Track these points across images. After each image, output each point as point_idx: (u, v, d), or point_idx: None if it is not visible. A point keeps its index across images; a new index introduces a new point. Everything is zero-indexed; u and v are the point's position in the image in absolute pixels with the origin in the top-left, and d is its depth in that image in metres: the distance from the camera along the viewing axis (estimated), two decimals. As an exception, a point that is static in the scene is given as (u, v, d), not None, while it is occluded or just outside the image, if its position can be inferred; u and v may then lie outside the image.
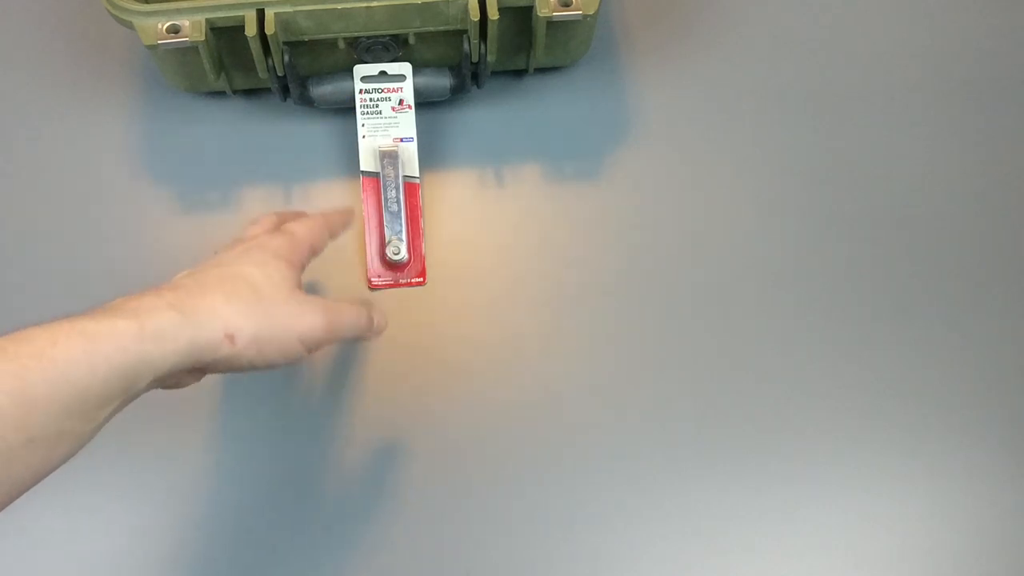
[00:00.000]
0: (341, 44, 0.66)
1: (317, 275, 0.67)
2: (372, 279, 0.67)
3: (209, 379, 0.52)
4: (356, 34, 0.65)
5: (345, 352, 0.65)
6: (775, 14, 0.77)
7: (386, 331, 0.65)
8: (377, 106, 0.68)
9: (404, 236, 0.67)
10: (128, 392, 0.42)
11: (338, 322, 0.51)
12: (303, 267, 0.53)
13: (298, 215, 0.58)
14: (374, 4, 0.63)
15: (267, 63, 0.65)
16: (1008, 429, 0.63)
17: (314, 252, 0.55)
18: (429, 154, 0.71)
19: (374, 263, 0.67)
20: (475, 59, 0.67)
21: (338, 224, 0.59)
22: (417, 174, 0.69)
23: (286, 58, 0.65)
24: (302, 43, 0.65)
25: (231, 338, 0.45)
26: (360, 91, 0.68)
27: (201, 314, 0.45)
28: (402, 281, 0.67)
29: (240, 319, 0.46)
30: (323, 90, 0.68)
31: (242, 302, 0.46)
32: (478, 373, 0.64)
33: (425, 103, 0.70)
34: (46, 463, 0.40)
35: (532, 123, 0.72)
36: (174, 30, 0.62)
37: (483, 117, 0.72)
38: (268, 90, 0.71)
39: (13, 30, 0.75)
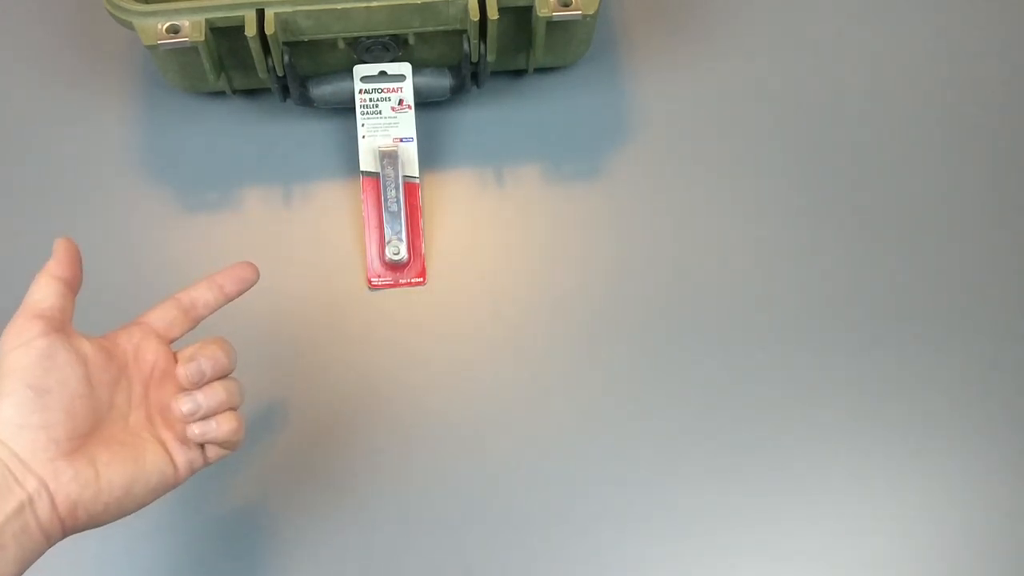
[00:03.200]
0: (341, 44, 0.66)
1: (318, 276, 0.67)
2: (372, 279, 0.67)
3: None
4: (356, 34, 0.65)
5: (344, 351, 0.65)
6: (775, 14, 0.77)
7: (386, 331, 0.66)
8: (377, 106, 0.68)
9: (404, 236, 0.67)
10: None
11: None
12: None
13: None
14: (374, 4, 0.63)
15: (267, 63, 0.65)
16: (1008, 430, 0.63)
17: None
18: (429, 154, 0.71)
19: (374, 263, 0.67)
20: (475, 59, 0.67)
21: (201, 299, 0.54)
22: (417, 174, 0.69)
23: (286, 58, 0.65)
24: (302, 43, 0.65)
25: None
26: (360, 91, 0.68)
27: None
28: (402, 281, 0.67)
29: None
30: (323, 90, 0.68)
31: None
32: (478, 372, 0.64)
33: (425, 103, 0.70)
34: None
35: (532, 123, 0.72)
36: (174, 30, 0.62)
37: (483, 117, 0.72)
38: (268, 90, 0.71)
39: (13, 30, 0.75)
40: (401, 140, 0.68)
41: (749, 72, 0.75)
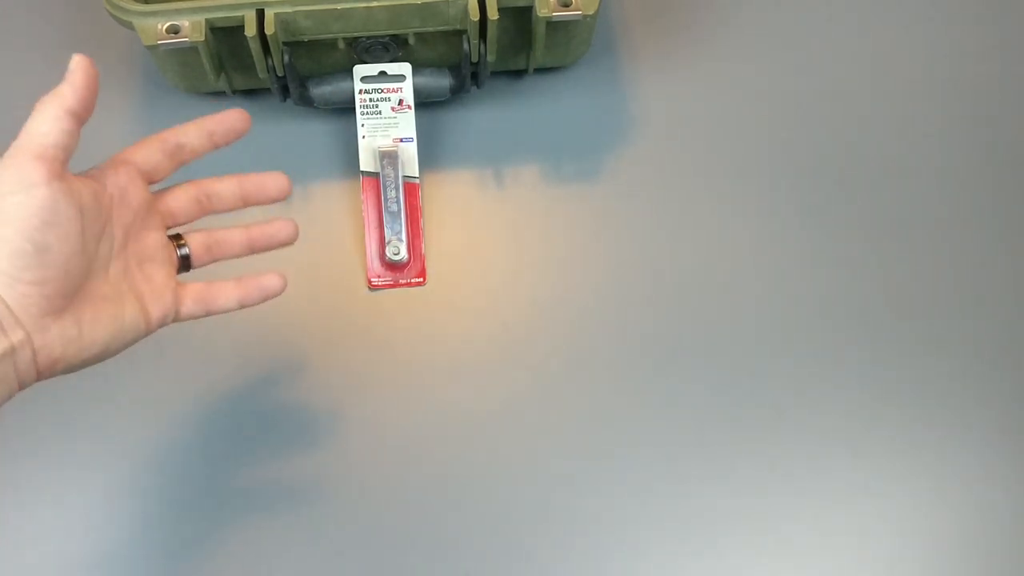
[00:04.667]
0: (341, 44, 0.66)
1: (318, 276, 0.67)
2: (372, 279, 0.67)
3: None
4: (356, 34, 0.65)
5: (344, 352, 0.65)
6: (775, 14, 0.77)
7: (386, 331, 0.66)
8: (377, 106, 0.68)
9: (404, 236, 0.67)
10: None
11: None
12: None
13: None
14: (374, 4, 0.63)
15: (267, 63, 0.65)
16: (1008, 431, 0.63)
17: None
18: (429, 154, 0.71)
19: (374, 263, 0.67)
20: (475, 59, 0.67)
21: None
22: (417, 174, 0.69)
23: (286, 58, 0.65)
24: (302, 43, 0.65)
25: None
26: (360, 91, 0.68)
27: None
28: (402, 281, 0.67)
29: None
30: (323, 90, 0.68)
31: None
32: (477, 372, 0.64)
33: (425, 103, 0.70)
34: None
35: (532, 123, 0.72)
36: (174, 30, 0.62)
37: (483, 117, 0.72)
38: (268, 90, 0.71)
39: (13, 30, 0.75)
40: (401, 140, 0.69)
41: (749, 72, 0.75)
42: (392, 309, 0.66)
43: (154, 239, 0.50)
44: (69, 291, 0.44)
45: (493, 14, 0.63)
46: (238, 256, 0.54)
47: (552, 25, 0.66)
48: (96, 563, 0.59)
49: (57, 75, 0.73)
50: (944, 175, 0.71)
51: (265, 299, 0.54)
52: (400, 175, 0.68)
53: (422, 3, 0.63)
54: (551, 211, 0.69)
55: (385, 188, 0.68)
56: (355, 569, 0.59)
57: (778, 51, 0.76)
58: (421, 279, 0.67)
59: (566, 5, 0.64)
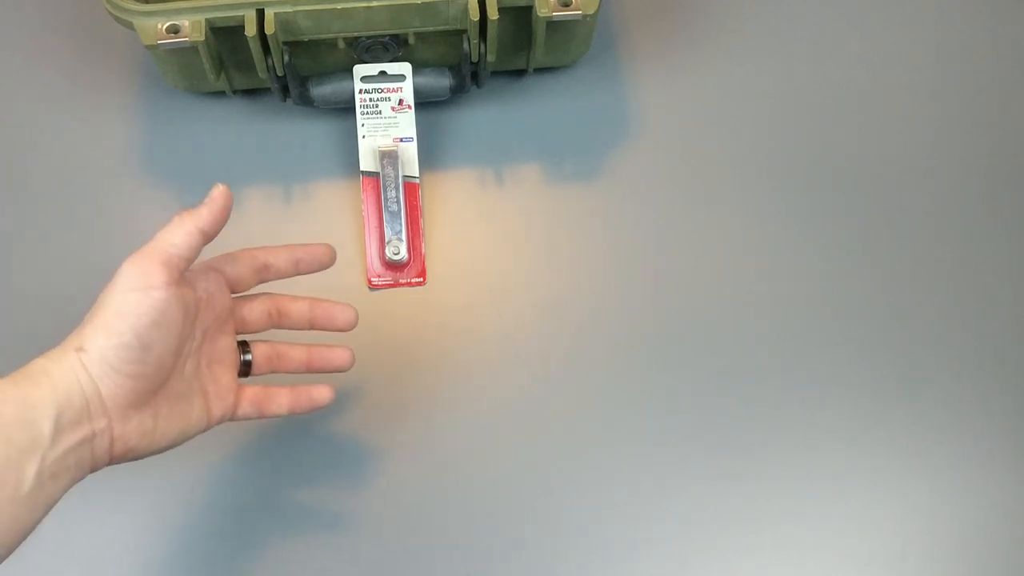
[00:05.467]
0: (341, 44, 0.66)
1: (318, 275, 0.67)
2: (372, 279, 0.67)
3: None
4: (356, 34, 0.65)
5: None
6: (775, 14, 0.77)
7: (386, 331, 0.66)
8: (377, 106, 0.68)
9: (404, 236, 0.67)
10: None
11: None
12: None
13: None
14: (374, 4, 0.63)
15: (267, 63, 0.65)
16: (1008, 430, 0.63)
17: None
18: (429, 154, 0.71)
19: (374, 263, 0.67)
20: (475, 59, 0.67)
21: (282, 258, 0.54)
22: (417, 174, 0.69)
23: (286, 58, 0.65)
24: (302, 43, 0.65)
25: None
26: (360, 91, 0.68)
27: None
28: (402, 281, 0.67)
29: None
30: (323, 90, 0.68)
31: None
32: (478, 373, 0.64)
33: (425, 103, 0.70)
34: None
35: (532, 123, 0.72)
36: (174, 30, 0.62)
37: (483, 117, 0.72)
38: (268, 90, 0.71)
39: (13, 30, 0.75)
40: (401, 140, 0.68)
41: (749, 72, 0.75)
42: (392, 309, 0.66)
43: (225, 343, 0.52)
44: (156, 387, 0.47)
45: (493, 14, 0.63)
46: (294, 372, 0.56)
47: (552, 25, 0.66)
48: None
49: (57, 75, 0.74)
50: (944, 175, 0.71)
51: (314, 410, 0.56)
52: (400, 175, 0.68)
53: (422, 3, 0.63)
54: (551, 211, 0.69)
55: (385, 188, 0.68)
56: (355, 567, 0.59)
57: (778, 51, 0.76)
58: (421, 279, 0.67)
59: (566, 5, 0.64)
